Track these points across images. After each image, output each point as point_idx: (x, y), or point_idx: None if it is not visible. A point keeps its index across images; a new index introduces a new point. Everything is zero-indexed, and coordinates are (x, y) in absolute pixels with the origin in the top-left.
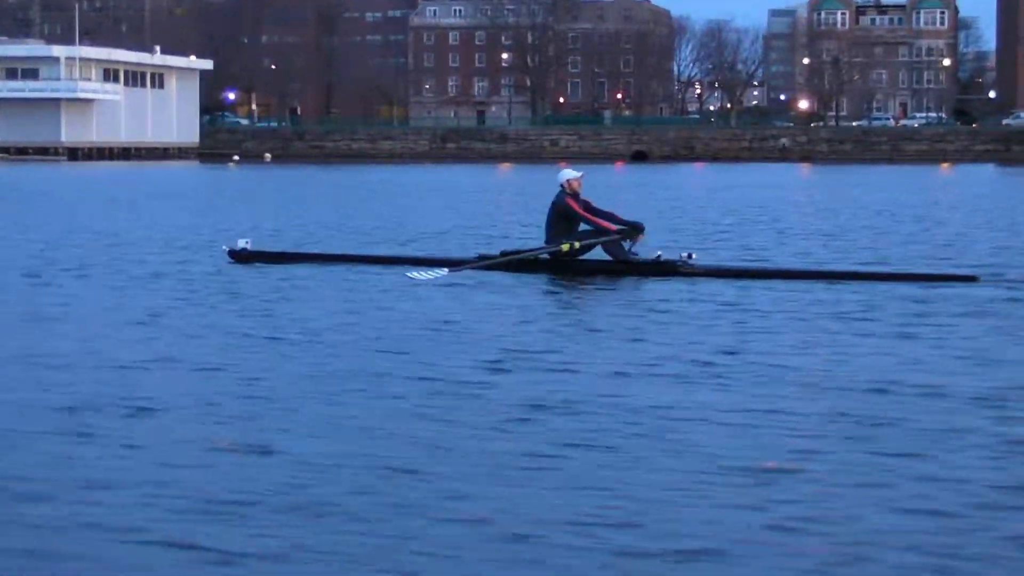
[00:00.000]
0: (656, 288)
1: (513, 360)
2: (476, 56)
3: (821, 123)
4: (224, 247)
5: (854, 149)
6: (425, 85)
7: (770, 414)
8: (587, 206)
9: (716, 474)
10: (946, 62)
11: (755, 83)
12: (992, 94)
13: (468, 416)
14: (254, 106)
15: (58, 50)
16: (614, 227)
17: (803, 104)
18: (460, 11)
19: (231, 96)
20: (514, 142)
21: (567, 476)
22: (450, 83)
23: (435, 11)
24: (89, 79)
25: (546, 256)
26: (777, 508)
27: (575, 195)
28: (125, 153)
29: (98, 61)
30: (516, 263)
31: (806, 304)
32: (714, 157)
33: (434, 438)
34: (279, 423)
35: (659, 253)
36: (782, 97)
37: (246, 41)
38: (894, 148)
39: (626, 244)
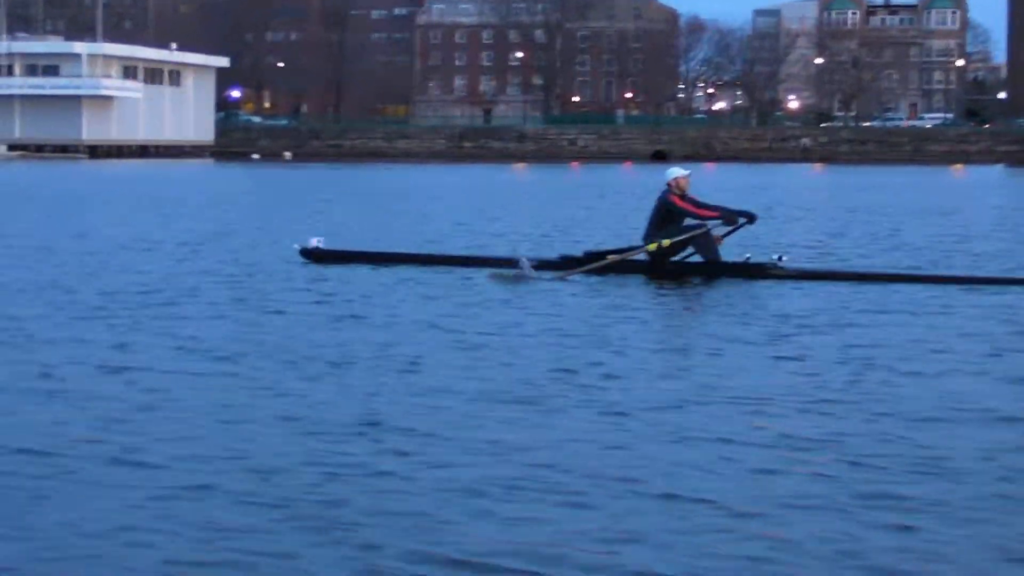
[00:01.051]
0: (752, 291)
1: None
2: (483, 55)
3: (831, 123)
4: (296, 245)
5: (876, 150)
6: (430, 83)
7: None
8: (695, 203)
9: None
10: (959, 62)
11: (775, 83)
12: (1002, 95)
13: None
14: (266, 103)
15: (80, 47)
16: (716, 213)
17: (794, 104)
18: (467, 9)
19: (235, 94)
20: (532, 141)
21: None
22: (456, 82)
23: (442, 9)
24: (109, 76)
25: (638, 256)
26: None
27: (682, 194)
28: (143, 151)
29: (119, 58)
30: (612, 265)
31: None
32: (735, 157)
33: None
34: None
35: (748, 255)
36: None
37: (250, 38)
38: (916, 149)
39: (720, 231)
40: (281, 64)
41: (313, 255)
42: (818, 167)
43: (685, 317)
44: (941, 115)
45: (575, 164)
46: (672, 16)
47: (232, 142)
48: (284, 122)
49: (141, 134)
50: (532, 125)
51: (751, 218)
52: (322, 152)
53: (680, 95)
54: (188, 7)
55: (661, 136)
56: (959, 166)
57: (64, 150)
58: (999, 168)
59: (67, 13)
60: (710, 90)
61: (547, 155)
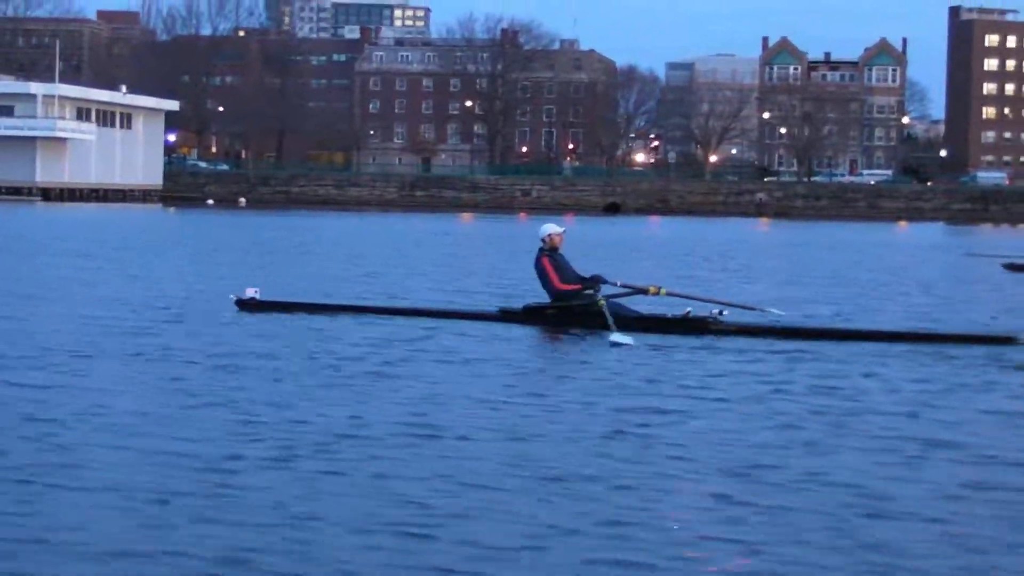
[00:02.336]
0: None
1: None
2: (424, 103)
3: (774, 179)
4: (232, 296)
5: (830, 205)
6: (370, 131)
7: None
8: (558, 263)
9: None
10: (904, 119)
11: (728, 138)
12: (943, 152)
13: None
14: (213, 148)
15: (36, 87)
16: (570, 287)
17: (713, 158)
18: (407, 56)
19: (171, 137)
20: (484, 191)
21: None
22: (396, 129)
23: (381, 56)
24: (63, 117)
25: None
26: None
27: (553, 250)
28: (94, 195)
29: (72, 99)
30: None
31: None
32: (689, 211)
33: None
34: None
35: (688, 310)
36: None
37: (187, 80)
38: (870, 206)
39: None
40: (220, 108)
41: (249, 306)
42: (764, 222)
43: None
44: (882, 172)
45: (523, 215)
46: (611, 68)
47: (179, 187)
48: (224, 167)
49: (93, 177)
50: (477, 175)
51: (598, 282)
52: (270, 199)
53: (621, 147)
54: (122, 48)
55: (615, 188)
56: (903, 223)
57: (17, 192)
58: (939, 226)
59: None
60: (655, 143)
61: (498, 205)
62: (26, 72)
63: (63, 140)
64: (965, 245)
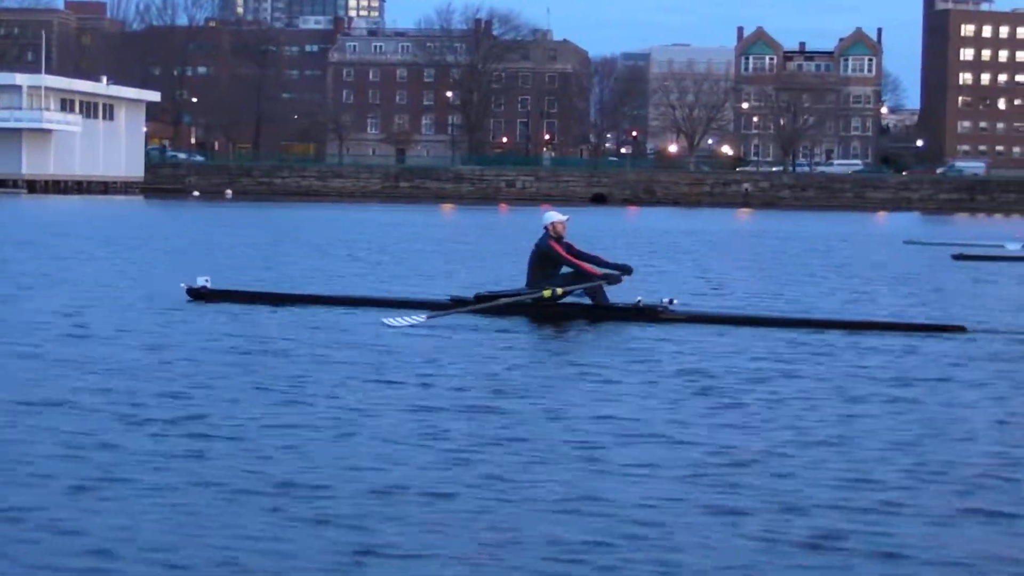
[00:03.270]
0: (635, 334)
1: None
2: (397, 94)
3: (745, 168)
4: (182, 285)
5: (817, 196)
6: (343, 122)
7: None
8: (570, 249)
9: None
10: (883, 109)
11: (714, 127)
12: (919, 142)
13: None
14: (192, 140)
15: (21, 78)
16: (598, 271)
17: (672, 148)
18: (381, 47)
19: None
20: (469, 182)
21: None
22: (369, 120)
23: (355, 47)
24: (48, 109)
25: (528, 301)
26: None
27: (559, 238)
28: (78, 187)
29: (56, 90)
30: (496, 308)
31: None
32: (675, 202)
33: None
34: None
35: (639, 299)
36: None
37: (158, 71)
38: (857, 196)
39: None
40: (194, 99)
41: (199, 294)
42: (744, 212)
43: (546, 358)
44: (853, 162)
45: (504, 206)
46: (585, 58)
47: (160, 179)
48: (199, 158)
49: (77, 169)
50: (460, 165)
51: (627, 270)
52: (253, 190)
53: (594, 137)
54: (90, 38)
55: (600, 179)
56: (883, 213)
57: (2, 184)
58: (915, 216)
59: None
60: (634, 134)
61: (484, 196)
62: None
63: (48, 132)
64: (929, 235)
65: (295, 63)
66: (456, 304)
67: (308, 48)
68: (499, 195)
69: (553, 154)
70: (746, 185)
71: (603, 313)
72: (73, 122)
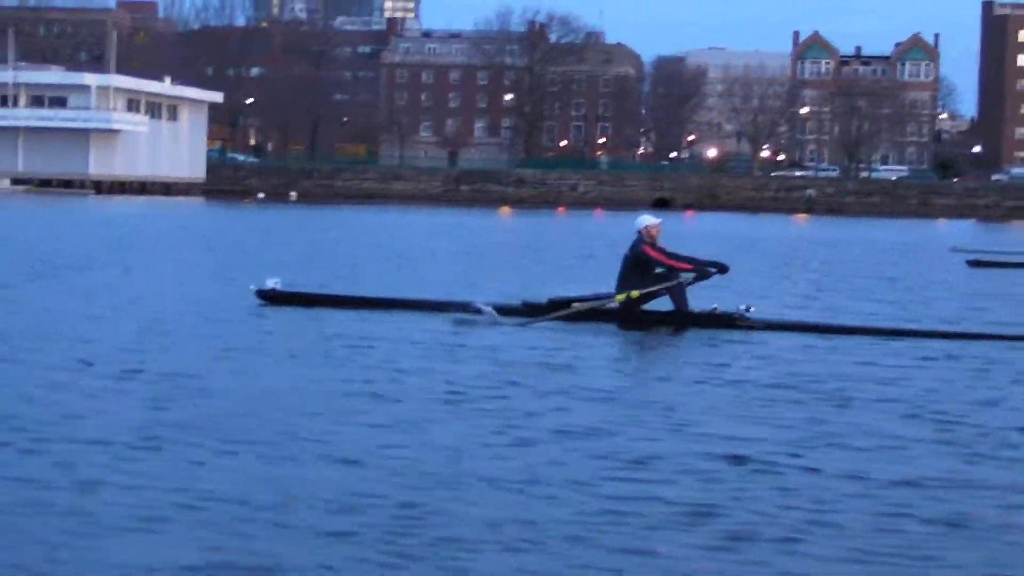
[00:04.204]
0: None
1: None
2: (450, 96)
3: (812, 174)
4: (252, 287)
5: (882, 202)
6: (398, 124)
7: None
8: (664, 253)
9: None
10: (943, 115)
11: (780, 131)
12: (977, 148)
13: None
14: (252, 141)
15: (90, 78)
16: (689, 266)
17: (711, 152)
18: (434, 49)
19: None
20: (531, 186)
21: None
22: (422, 123)
23: (408, 48)
24: (115, 109)
25: (606, 306)
26: None
27: (652, 242)
28: (141, 188)
29: (124, 91)
30: (580, 313)
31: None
32: (739, 207)
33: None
34: None
35: (715, 305)
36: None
37: (210, 72)
38: (922, 202)
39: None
40: (250, 101)
41: (269, 297)
42: (803, 219)
43: (648, 367)
44: (898, 168)
45: (562, 209)
46: (638, 61)
47: (220, 180)
48: (253, 160)
49: (142, 170)
50: (522, 168)
51: (723, 269)
52: (314, 192)
53: (652, 141)
54: (143, 39)
55: (663, 183)
56: (943, 220)
57: (68, 184)
58: (971, 223)
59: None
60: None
61: (545, 200)
62: (48, 62)
63: (115, 132)
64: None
65: (348, 64)
66: (531, 310)
67: (361, 49)
68: (560, 199)
69: (607, 158)
70: (810, 191)
71: (679, 320)
72: (140, 122)
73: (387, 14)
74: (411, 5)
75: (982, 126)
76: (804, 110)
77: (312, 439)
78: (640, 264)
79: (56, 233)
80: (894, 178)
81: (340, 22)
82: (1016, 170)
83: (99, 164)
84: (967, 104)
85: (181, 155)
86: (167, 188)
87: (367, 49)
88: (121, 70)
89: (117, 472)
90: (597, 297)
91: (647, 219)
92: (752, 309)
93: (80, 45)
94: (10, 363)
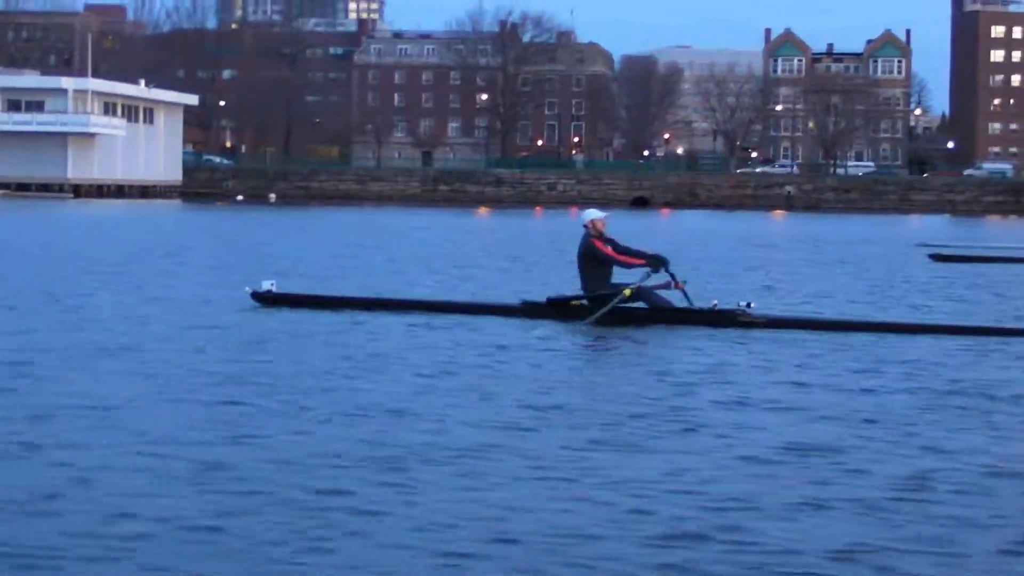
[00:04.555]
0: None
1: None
2: (423, 96)
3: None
4: (247, 289)
5: (861, 198)
6: (368, 125)
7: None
8: (614, 246)
9: None
10: (917, 111)
11: (755, 128)
12: (951, 144)
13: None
14: (228, 143)
15: (67, 82)
16: (640, 261)
17: (679, 150)
18: (406, 49)
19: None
20: (509, 186)
21: None
22: (396, 123)
23: (380, 49)
24: (92, 112)
25: (619, 303)
26: None
27: (600, 235)
28: (119, 191)
29: (100, 94)
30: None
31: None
32: (718, 204)
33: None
34: None
35: (715, 302)
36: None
37: (182, 75)
38: (901, 198)
39: (648, 281)
40: (222, 103)
41: (265, 299)
42: (779, 216)
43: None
44: (865, 164)
45: (539, 209)
46: (609, 60)
47: (196, 183)
48: (226, 162)
49: (120, 173)
50: (487, 168)
51: (663, 263)
52: (292, 194)
53: (625, 140)
54: (113, 42)
55: (642, 182)
56: (916, 216)
57: (47, 188)
58: (944, 218)
59: None
60: (666, 135)
61: (524, 200)
62: (18, 66)
63: (91, 135)
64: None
65: (319, 66)
66: (528, 309)
67: (332, 51)
68: (539, 198)
69: (583, 157)
70: (789, 188)
71: (679, 317)
72: (117, 126)
73: (351, 15)
74: (375, 7)
75: (955, 122)
76: (779, 107)
77: None
78: (596, 259)
79: (69, 238)
80: (861, 174)
81: (310, 24)
82: (988, 164)
83: (77, 168)
84: (938, 100)
85: (158, 158)
86: (144, 191)
87: (338, 51)
88: (94, 74)
89: None
90: (601, 297)
91: (592, 213)
92: (753, 305)
93: (49, 49)
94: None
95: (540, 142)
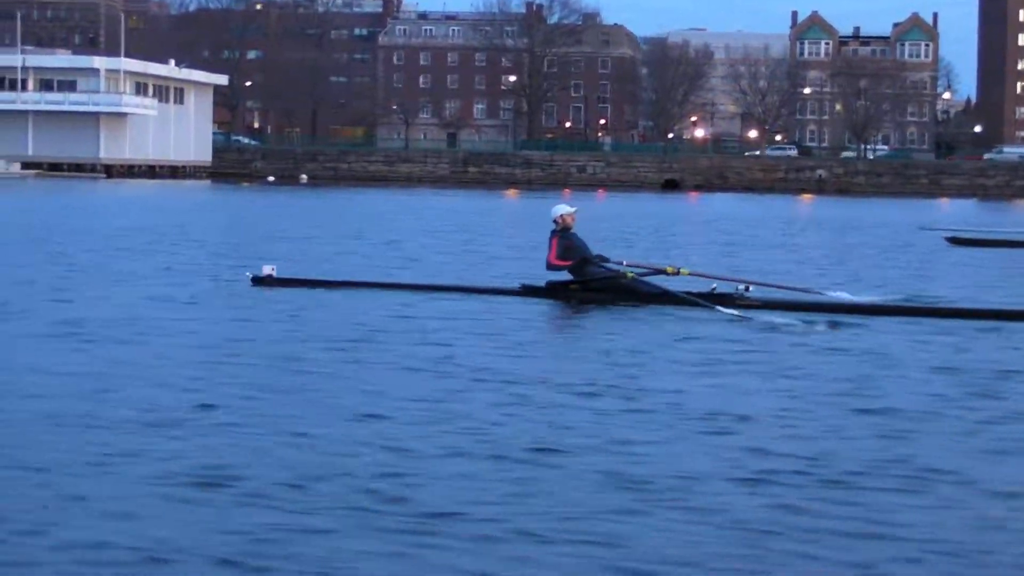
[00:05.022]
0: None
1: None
2: (448, 78)
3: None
4: (248, 273)
5: (892, 182)
6: (394, 107)
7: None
8: (569, 243)
9: None
10: (946, 95)
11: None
12: (978, 129)
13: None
14: (256, 124)
15: (99, 61)
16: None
17: (699, 133)
18: (430, 31)
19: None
20: (539, 168)
21: None
22: (421, 105)
23: (405, 30)
24: (123, 92)
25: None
26: None
27: (565, 230)
28: (150, 171)
29: (132, 74)
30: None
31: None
32: (748, 187)
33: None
34: None
35: (715, 286)
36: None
37: (206, 55)
38: (933, 182)
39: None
40: (248, 83)
41: (265, 283)
42: (806, 199)
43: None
44: (880, 147)
45: (567, 191)
46: (635, 42)
47: (225, 163)
48: (253, 142)
49: (151, 153)
50: (513, 150)
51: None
52: (321, 175)
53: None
54: (137, 22)
55: (672, 164)
56: (945, 200)
57: (79, 168)
58: (972, 202)
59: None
60: (693, 118)
61: (554, 182)
62: (43, 45)
63: (123, 115)
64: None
65: (344, 47)
66: (528, 292)
67: (357, 31)
68: (568, 180)
69: (610, 139)
70: (820, 171)
71: (677, 300)
72: (149, 106)
73: None
74: None
75: (982, 106)
76: (807, 91)
77: None
78: (566, 249)
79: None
80: (871, 156)
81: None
82: (1008, 148)
83: (109, 148)
84: (964, 84)
85: (188, 138)
86: (174, 171)
87: (363, 31)
88: (115, 53)
89: None
90: (643, 270)
91: (562, 208)
92: (751, 289)
93: (74, 28)
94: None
95: (568, 124)
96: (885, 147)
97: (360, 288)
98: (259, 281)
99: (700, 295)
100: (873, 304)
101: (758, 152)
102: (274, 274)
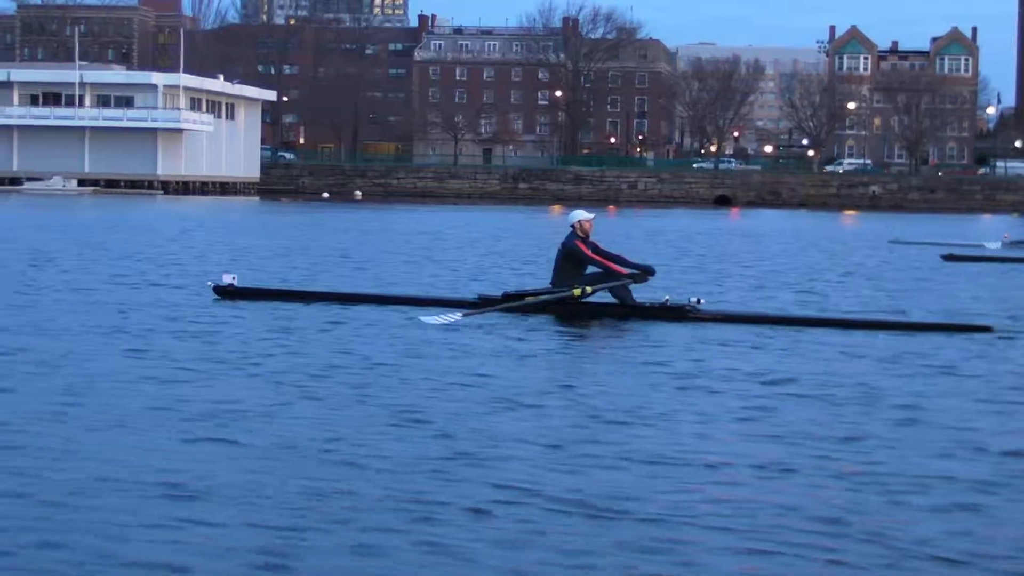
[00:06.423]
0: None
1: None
2: (484, 93)
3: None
4: (209, 282)
5: (946, 198)
6: (429, 120)
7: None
8: (595, 249)
9: None
10: (990, 110)
11: (836, 127)
12: (1019, 143)
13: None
14: (301, 139)
15: (157, 77)
16: (624, 270)
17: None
18: (466, 46)
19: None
20: (589, 183)
21: None
22: (457, 120)
23: (440, 45)
24: (180, 108)
25: (557, 300)
26: None
27: (585, 237)
28: (203, 187)
29: (188, 89)
30: (527, 306)
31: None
32: (801, 204)
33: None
34: None
35: (667, 298)
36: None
37: (240, 70)
38: (987, 198)
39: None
40: (285, 99)
41: (226, 292)
42: (850, 216)
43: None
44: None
45: (612, 208)
46: (670, 57)
47: (272, 179)
48: (291, 156)
49: (204, 169)
50: (554, 166)
51: (649, 272)
52: (370, 191)
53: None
54: (169, 38)
55: (724, 180)
56: (988, 215)
57: (136, 185)
58: (1013, 217)
59: (50, 42)
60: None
61: (604, 198)
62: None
63: (179, 131)
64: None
65: (379, 62)
66: (485, 303)
67: (392, 46)
68: (620, 197)
69: (651, 154)
70: (874, 187)
71: (630, 312)
72: (207, 122)
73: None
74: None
75: (1020, 119)
76: (851, 105)
77: None
78: (573, 258)
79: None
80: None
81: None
82: (1011, 163)
83: (166, 164)
84: (1003, 97)
85: (239, 154)
86: (223, 187)
87: (398, 46)
88: (153, 67)
89: None
90: (551, 292)
91: (580, 214)
92: (703, 301)
93: (107, 43)
94: None
95: (613, 139)
96: (925, 163)
97: (312, 300)
98: (220, 291)
99: (652, 307)
100: (829, 318)
101: (815, 168)
102: (235, 283)
